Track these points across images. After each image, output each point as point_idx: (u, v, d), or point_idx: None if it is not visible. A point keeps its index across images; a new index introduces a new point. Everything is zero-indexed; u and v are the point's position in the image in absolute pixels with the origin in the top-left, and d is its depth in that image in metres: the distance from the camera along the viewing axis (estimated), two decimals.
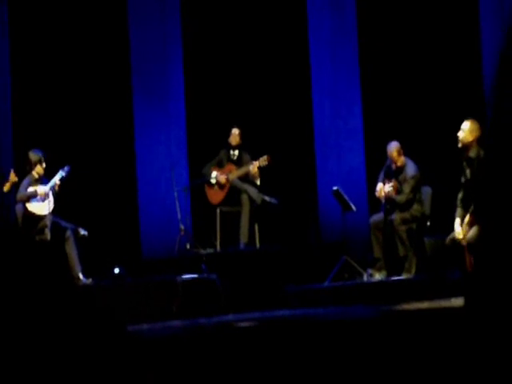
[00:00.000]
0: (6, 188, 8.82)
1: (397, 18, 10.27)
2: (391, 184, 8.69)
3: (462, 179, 7.66)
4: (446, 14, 10.07)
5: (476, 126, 7.64)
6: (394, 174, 8.78)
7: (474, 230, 7.10)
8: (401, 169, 8.79)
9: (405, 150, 8.84)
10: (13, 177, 8.83)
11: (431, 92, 10.04)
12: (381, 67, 10.29)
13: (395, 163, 8.78)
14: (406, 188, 8.71)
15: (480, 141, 7.54)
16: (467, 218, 7.31)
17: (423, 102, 10.05)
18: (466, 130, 7.66)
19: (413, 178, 8.74)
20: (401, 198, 8.71)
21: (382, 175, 8.94)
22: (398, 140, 8.87)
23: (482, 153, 7.47)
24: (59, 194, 9.04)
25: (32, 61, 10.58)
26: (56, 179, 9.01)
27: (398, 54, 10.24)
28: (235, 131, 9.78)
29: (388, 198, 8.71)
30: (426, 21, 10.14)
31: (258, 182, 9.50)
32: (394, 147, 8.80)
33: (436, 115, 9.82)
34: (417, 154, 9.02)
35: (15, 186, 9.04)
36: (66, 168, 9.07)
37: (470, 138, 7.64)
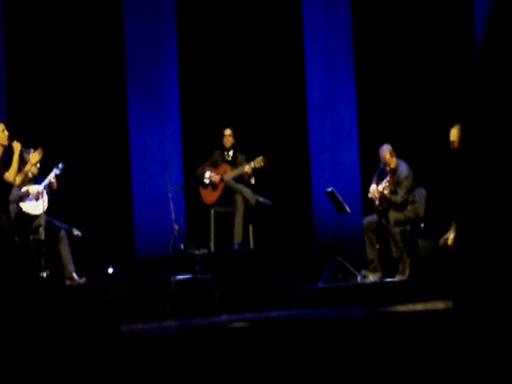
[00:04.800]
0: (20, 177, 8.21)
1: (391, 18, 10.28)
2: (386, 180, 8.69)
3: None
4: (442, 16, 10.09)
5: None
6: (388, 176, 8.79)
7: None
8: (394, 170, 8.80)
9: (399, 152, 8.85)
10: (35, 156, 8.46)
11: (426, 93, 10.05)
12: (375, 69, 10.30)
13: (388, 166, 8.78)
14: (401, 189, 8.72)
15: None
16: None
17: (418, 104, 10.06)
18: (453, 138, 7.70)
19: (406, 178, 8.75)
20: (396, 198, 8.71)
21: (375, 178, 8.95)
22: (392, 141, 8.87)
23: None
24: (55, 192, 8.99)
25: (27, 60, 10.55)
26: (50, 177, 8.95)
27: (392, 56, 10.25)
28: (228, 132, 9.74)
29: (383, 197, 8.71)
30: (420, 22, 10.15)
31: (253, 182, 9.48)
32: (386, 150, 8.80)
33: (431, 117, 9.83)
34: (411, 155, 9.03)
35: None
36: (59, 165, 8.99)
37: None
